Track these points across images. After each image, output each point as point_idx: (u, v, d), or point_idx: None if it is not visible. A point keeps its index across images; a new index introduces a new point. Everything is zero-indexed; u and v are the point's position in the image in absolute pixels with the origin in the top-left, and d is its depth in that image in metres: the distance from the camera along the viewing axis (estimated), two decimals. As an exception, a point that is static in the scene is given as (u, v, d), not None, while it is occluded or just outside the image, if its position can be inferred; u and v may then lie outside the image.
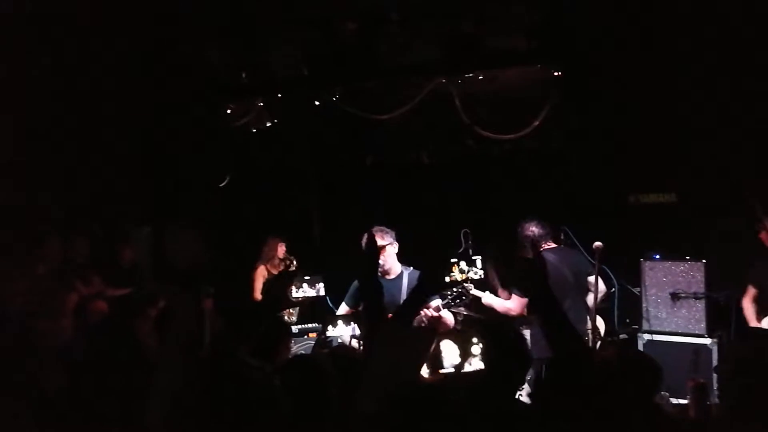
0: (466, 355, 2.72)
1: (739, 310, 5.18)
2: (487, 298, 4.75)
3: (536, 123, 5.09)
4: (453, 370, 3.07)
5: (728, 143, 5.09)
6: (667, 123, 5.25)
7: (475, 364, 3.44)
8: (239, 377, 2.33)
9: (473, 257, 4.53)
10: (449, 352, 2.96)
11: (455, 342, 2.84)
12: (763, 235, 4.88)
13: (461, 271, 4.20)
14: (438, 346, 2.99)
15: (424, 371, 2.99)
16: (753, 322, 4.85)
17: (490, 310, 4.80)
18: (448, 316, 4.29)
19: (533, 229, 4.76)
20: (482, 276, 4.37)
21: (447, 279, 4.15)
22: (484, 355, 2.65)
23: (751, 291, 4.95)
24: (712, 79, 4.95)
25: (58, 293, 4.48)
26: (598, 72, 5.13)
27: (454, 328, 4.33)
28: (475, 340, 2.65)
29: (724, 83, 4.90)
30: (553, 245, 4.82)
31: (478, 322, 4.61)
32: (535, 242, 4.75)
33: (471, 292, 4.45)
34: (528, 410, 2.08)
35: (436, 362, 2.94)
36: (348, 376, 2.34)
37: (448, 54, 5.13)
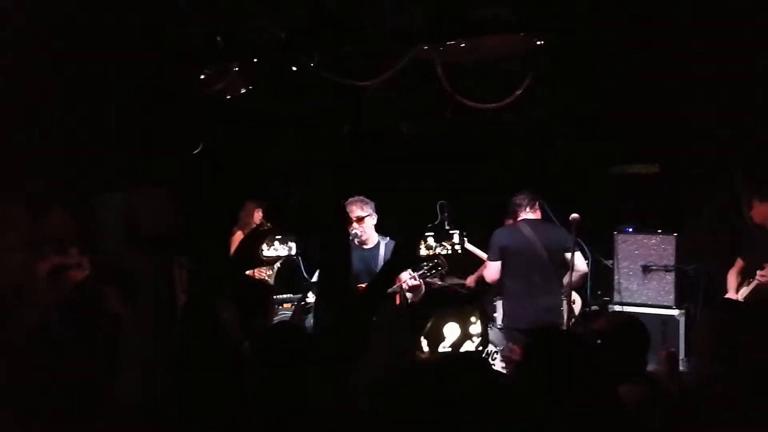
0: (465, 334, 2.72)
1: (708, 282, 5.29)
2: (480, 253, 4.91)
3: (518, 92, 5.06)
4: (450, 349, 3.08)
5: (714, 114, 5.09)
6: (649, 94, 5.23)
7: (472, 344, 3.41)
8: (209, 343, 2.28)
9: (450, 231, 4.48)
10: (451, 333, 2.96)
11: (457, 322, 2.83)
12: (755, 212, 4.83)
13: (428, 247, 4.09)
14: (440, 327, 2.98)
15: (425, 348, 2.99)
16: (731, 293, 4.91)
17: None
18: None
19: (519, 198, 4.82)
20: (452, 251, 4.18)
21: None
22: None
23: (739, 263, 4.95)
24: (696, 49, 4.92)
25: (29, 263, 4.36)
26: (581, 41, 5.09)
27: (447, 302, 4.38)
28: (473, 319, 2.65)
29: (711, 54, 4.86)
30: (531, 216, 4.84)
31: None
32: (515, 211, 4.81)
33: (466, 246, 4.50)
34: (509, 383, 2.08)
35: (436, 340, 2.93)
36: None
37: (430, 21, 5.05)
